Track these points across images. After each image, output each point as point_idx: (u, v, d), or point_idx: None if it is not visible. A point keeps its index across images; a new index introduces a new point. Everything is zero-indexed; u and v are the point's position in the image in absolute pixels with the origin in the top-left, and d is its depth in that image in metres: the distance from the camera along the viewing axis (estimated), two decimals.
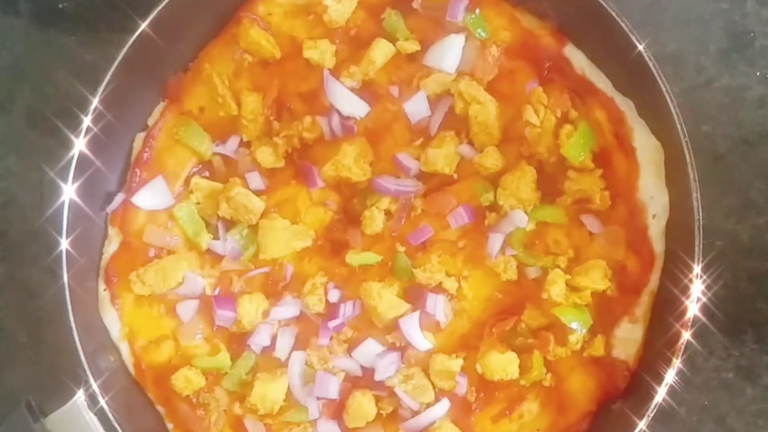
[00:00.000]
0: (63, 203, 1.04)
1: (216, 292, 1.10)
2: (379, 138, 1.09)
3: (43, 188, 1.12)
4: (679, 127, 0.98)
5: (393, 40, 1.08)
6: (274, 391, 1.06)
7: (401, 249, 1.07)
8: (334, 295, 1.08)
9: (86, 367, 1.02)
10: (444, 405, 1.05)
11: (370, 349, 1.06)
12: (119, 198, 1.11)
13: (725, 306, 1.09)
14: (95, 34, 1.19)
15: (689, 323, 0.96)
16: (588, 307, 1.03)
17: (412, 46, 1.08)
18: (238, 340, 1.09)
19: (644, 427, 0.96)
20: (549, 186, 1.06)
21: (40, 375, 1.18)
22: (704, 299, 0.97)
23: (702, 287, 0.96)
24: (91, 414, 1.01)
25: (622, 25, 0.99)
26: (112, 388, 1.04)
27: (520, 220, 1.04)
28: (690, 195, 0.97)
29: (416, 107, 1.07)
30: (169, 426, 1.10)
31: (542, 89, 1.05)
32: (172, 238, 1.11)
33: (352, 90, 1.09)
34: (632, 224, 1.03)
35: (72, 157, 1.03)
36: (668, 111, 0.98)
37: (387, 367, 1.05)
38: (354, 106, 1.08)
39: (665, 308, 1.00)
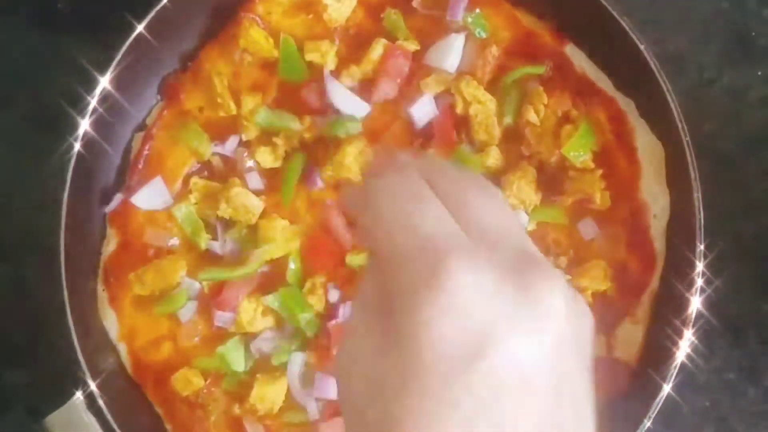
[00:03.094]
0: (62, 203, 1.03)
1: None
2: (379, 138, 1.09)
3: (42, 188, 1.11)
4: (680, 126, 0.97)
5: (393, 39, 1.08)
6: (274, 391, 1.05)
7: None
8: (334, 295, 1.07)
9: (85, 367, 1.02)
10: None
11: None
12: (118, 198, 1.10)
13: (727, 306, 1.08)
14: (95, 34, 1.18)
15: (691, 323, 0.96)
16: (588, 307, 1.03)
17: (412, 46, 1.08)
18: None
19: (645, 428, 0.96)
20: (549, 186, 1.05)
21: (39, 375, 1.17)
22: (706, 299, 0.97)
23: (703, 287, 0.96)
24: (90, 414, 1.01)
25: (623, 25, 0.99)
26: (110, 389, 1.03)
27: (521, 220, 1.03)
28: (691, 195, 0.97)
29: (422, 111, 1.07)
30: (168, 427, 1.09)
31: (542, 89, 1.05)
32: (171, 238, 1.11)
33: (352, 90, 1.09)
34: (633, 224, 1.02)
35: (71, 157, 1.03)
36: (669, 111, 0.98)
37: None
38: (354, 106, 1.08)
39: (666, 308, 1.00)
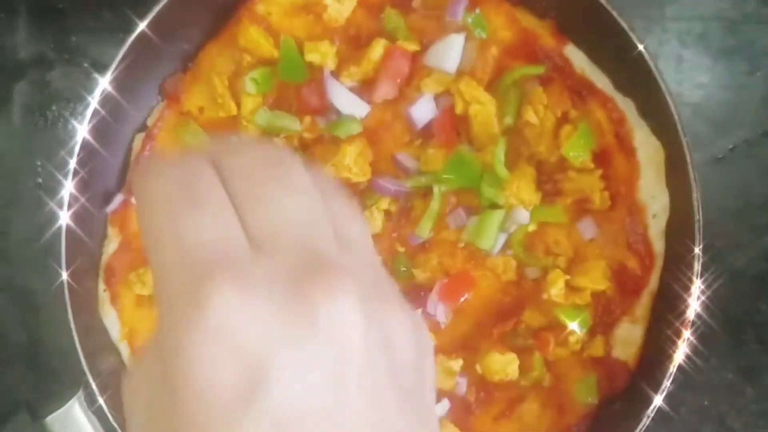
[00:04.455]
0: (62, 203, 1.04)
1: None
2: (379, 138, 1.09)
3: (42, 188, 1.11)
4: (679, 127, 0.98)
5: (393, 39, 1.08)
6: None
7: (401, 249, 1.07)
8: None
9: (86, 367, 1.02)
10: (444, 405, 1.05)
11: None
12: (119, 198, 1.10)
13: (726, 306, 1.09)
14: (95, 34, 1.19)
15: (689, 323, 0.96)
16: (588, 307, 1.03)
17: (412, 46, 1.08)
18: None
19: (644, 428, 0.96)
20: (549, 186, 1.06)
21: (40, 375, 1.18)
22: (704, 299, 0.97)
23: (702, 287, 0.97)
24: (91, 414, 1.01)
25: (622, 25, 0.99)
26: (111, 389, 1.03)
27: (523, 217, 1.03)
28: (690, 195, 0.97)
29: (422, 111, 1.07)
30: None
31: (542, 89, 1.05)
32: None
33: (352, 90, 1.09)
34: (632, 224, 1.03)
35: (72, 157, 1.03)
36: (668, 111, 0.98)
37: None
38: (354, 106, 1.08)
39: (665, 308, 1.00)
